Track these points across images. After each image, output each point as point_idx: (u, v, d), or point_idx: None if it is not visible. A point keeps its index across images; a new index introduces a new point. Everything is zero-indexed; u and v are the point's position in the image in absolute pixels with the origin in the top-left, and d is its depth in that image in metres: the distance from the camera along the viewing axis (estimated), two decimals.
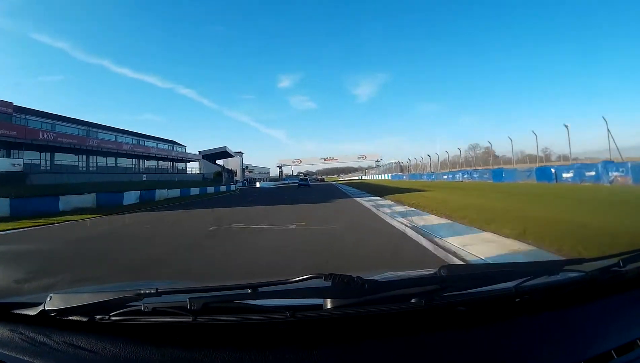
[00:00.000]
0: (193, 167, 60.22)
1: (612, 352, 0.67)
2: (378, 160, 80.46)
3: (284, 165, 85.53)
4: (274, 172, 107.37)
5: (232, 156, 78.98)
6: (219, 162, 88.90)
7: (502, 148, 25.74)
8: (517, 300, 0.80)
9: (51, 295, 0.83)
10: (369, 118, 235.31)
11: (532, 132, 20.64)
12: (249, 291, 0.77)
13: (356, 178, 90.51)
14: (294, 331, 0.73)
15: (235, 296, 0.79)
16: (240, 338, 0.72)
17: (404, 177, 44.90)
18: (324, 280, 0.76)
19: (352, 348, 0.69)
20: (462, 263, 3.73)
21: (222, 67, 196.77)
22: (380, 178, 61.71)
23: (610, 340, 0.70)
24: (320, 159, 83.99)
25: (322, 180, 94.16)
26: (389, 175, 55.33)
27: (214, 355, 0.68)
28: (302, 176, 54.78)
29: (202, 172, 65.71)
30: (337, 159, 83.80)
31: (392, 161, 70.09)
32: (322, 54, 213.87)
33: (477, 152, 30.62)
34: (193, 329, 0.74)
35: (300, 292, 0.79)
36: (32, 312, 0.82)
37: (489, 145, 26.67)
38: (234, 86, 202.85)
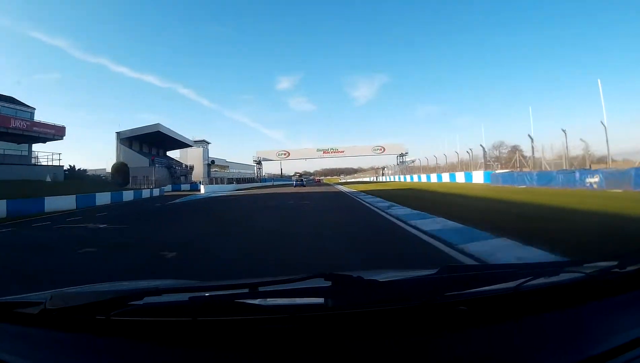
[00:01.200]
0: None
1: (612, 351, 0.68)
2: (402, 154, 54.76)
3: (265, 160, 60.02)
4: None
5: (184, 144, 52.66)
6: (174, 153, 63.29)
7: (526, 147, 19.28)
8: (517, 300, 0.81)
9: (52, 294, 0.84)
10: (369, 119, 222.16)
11: (562, 130, 16.27)
12: (250, 290, 0.78)
13: (366, 179, 64.91)
14: (294, 330, 0.73)
15: (236, 295, 0.80)
16: (240, 338, 0.72)
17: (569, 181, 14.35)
18: (325, 279, 0.77)
19: (353, 347, 0.69)
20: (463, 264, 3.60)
21: (221, 68, 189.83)
22: (414, 180, 36.26)
23: (610, 340, 0.71)
24: (319, 151, 58.48)
25: (319, 181, 71.75)
26: (468, 174, 25.11)
27: (214, 354, 0.68)
28: (298, 176, 50.17)
29: (121, 160, 39.86)
30: (342, 151, 58.24)
31: (413, 158, 45.57)
32: (321, 55, 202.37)
33: (502, 151, 25.83)
34: (193, 328, 0.73)
35: (300, 292, 0.80)
36: (32, 310, 0.82)
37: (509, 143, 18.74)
38: (232, 87, 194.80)
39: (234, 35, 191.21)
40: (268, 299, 0.81)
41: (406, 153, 55.16)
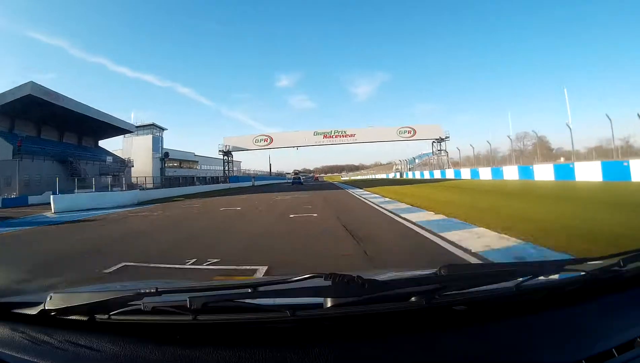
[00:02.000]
0: None
1: (613, 350, 0.68)
2: (440, 139, 36.98)
3: (236, 150, 40.15)
4: (246, 166, 64.13)
5: (110, 127, 34.60)
6: (107, 142, 45.37)
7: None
8: (517, 299, 0.81)
9: (51, 294, 0.84)
10: (369, 116, 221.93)
11: (606, 115, 13.49)
12: (249, 290, 0.78)
13: (382, 176, 47.35)
14: (294, 330, 0.74)
15: (235, 295, 0.80)
16: (240, 337, 0.73)
17: None
18: (324, 279, 0.76)
19: (352, 347, 0.70)
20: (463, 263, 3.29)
21: (221, 67, 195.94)
22: (447, 176, 19.77)
23: (611, 339, 0.71)
24: (317, 134, 38.92)
25: (317, 179, 63.91)
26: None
27: (214, 354, 0.68)
28: (294, 174, 46.69)
29: None
30: (352, 135, 38.13)
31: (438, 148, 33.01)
32: (321, 54, 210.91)
33: (526, 143, 21.83)
34: (193, 328, 0.74)
35: (300, 291, 0.79)
36: (32, 311, 0.82)
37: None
38: (232, 85, 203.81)
39: (235, 34, 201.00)
40: (268, 299, 0.80)
41: (447, 137, 37.24)
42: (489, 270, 1.16)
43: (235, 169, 55.32)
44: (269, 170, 62.27)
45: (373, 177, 57.36)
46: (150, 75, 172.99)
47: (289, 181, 51.06)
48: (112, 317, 0.76)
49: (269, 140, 39.31)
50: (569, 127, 15.86)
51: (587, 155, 15.97)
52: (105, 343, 0.73)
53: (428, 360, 0.66)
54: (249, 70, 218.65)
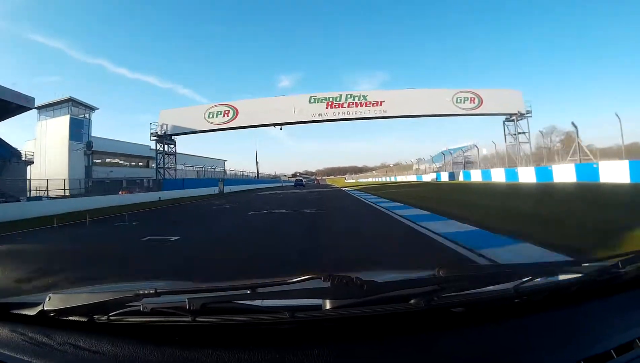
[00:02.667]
0: None
1: (612, 351, 0.68)
2: (519, 115, 22.31)
3: (180, 133, 23.46)
4: (230, 167, 50.02)
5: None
6: (15, 129, 27.25)
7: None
8: (516, 300, 0.80)
9: (50, 295, 0.84)
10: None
11: None
12: (248, 291, 0.80)
13: (411, 178, 33.41)
14: (292, 331, 0.74)
15: (234, 296, 0.82)
16: (239, 339, 0.73)
17: None
18: (323, 280, 0.77)
19: (351, 348, 0.70)
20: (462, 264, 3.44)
21: (222, 68, 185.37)
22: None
23: (610, 340, 0.71)
24: (316, 102, 22.04)
25: (318, 182, 60.94)
26: None
27: (213, 355, 0.69)
28: (296, 177, 45.33)
29: None
30: (377, 103, 22.01)
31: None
32: (321, 54, 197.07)
33: (554, 139, 19.48)
34: (192, 329, 0.75)
35: (299, 293, 0.80)
36: (31, 312, 0.83)
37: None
38: (233, 86, 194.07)
39: (235, 35, 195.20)
40: (266, 300, 0.81)
41: (528, 112, 22.83)
42: (487, 271, 1.15)
43: (217, 168, 40.74)
44: (271, 173, 48.69)
45: (394, 179, 42.79)
46: (151, 76, 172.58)
47: (288, 184, 41.14)
48: (111, 318, 0.76)
49: (231, 114, 22.90)
50: (617, 116, 13.02)
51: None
52: (104, 345, 0.73)
53: (426, 361, 0.67)
54: (249, 71, 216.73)
